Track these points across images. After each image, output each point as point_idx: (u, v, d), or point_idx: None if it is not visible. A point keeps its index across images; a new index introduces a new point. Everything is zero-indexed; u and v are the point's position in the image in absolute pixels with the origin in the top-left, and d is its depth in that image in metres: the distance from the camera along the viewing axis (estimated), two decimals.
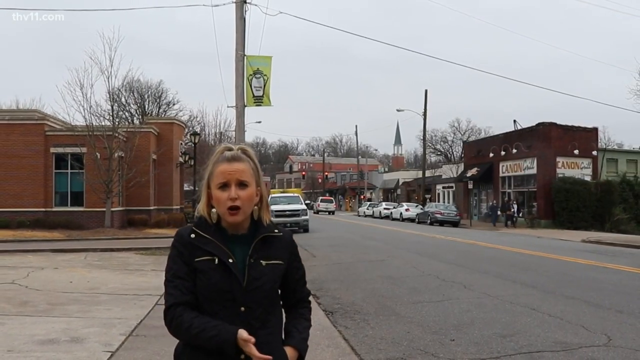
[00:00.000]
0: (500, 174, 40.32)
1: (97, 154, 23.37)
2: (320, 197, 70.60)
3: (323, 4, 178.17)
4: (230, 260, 1.95)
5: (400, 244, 20.24)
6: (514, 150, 38.33)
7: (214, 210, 2.02)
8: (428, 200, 51.01)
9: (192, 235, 2.00)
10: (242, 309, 1.94)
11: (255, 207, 2.06)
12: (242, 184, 1.98)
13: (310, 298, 2.25)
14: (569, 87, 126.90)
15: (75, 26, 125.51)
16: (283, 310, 2.16)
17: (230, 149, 2.07)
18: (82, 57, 40.27)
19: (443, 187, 54.14)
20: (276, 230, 2.10)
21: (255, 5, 17.38)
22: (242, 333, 1.84)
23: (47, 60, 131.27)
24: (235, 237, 2.03)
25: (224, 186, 1.97)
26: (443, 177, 54.56)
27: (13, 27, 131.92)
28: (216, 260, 1.95)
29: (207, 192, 2.04)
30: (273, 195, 32.84)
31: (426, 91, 49.12)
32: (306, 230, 27.12)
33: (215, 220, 2.02)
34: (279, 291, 2.13)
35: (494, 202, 39.00)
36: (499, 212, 37.08)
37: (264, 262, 2.00)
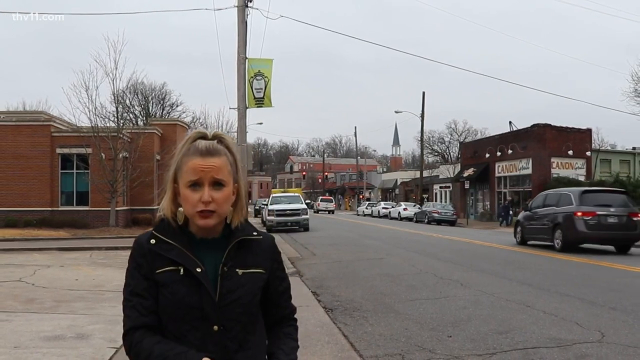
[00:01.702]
0: (496, 174, 40.33)
1: (102, 154, 23.38)
2: (320, 197, 70.63)
3: (314, 8, 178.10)
4: (199, 270, 1.58)
5: (399, 242, 20.23)
6: (510, 151, 38.34)
7: (180, 209, 1.64)
8: (425, 199, 51.00)
9: (152, 241, 1.63)
10: (216, 328, 1.58)
11: (230, 207, 1.68)
12: (217, 184, 1.60)
13: (297, 315, 1.86)
14: (564, 89, 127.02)
15: (78, 28, 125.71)
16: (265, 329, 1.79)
17: (203, 136, 1.67)
18: (87, 60, 40.40)
19: (440, 187, 54.16)
20: (255, 233, 1.73)
21: (257, 9, 17.43)
22: None
23: (53, 63, 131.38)
24: (204, 241, 1.65)
25: (195, 185, 1.59)
26: (440, 177, 54.57)
27: (15, 30, 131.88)
28: (181, 270, 1.58)
29: (172, 187, 1.66)
30: (274, 195, 32.84)
31: (424, 93, 49.20)
32: (306, 229, 27.12)
33: (181, 221, 1.65)
34: (259, 307, 1.74)
35: (507, 201, 37.34)
36: (510, 212, 34.95)
37: (240, 271, 1.64)
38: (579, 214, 16.09)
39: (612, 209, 16.26)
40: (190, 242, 1.64)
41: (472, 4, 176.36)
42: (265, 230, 2.00)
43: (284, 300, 1.80)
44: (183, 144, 1.67)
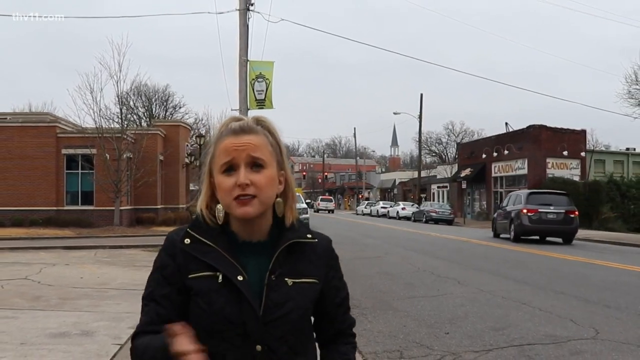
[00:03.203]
0: (493, 174, 40.34)
1: (106, 155, 23.36)
2: (320, 197, 70.53)
3: (305, 9, 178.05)
4: (241, 278, 1.32)
5: (397, 241, 20.22)
6: (506, 152, 38.35)
7: (219, 206, 1.37)
8: (423, 199, 50.97)
9: (187, 241, 1.37)
10: (259, 348, 1.32)
11: (279, 199, 1.39)
12: (256, 164, 1.33)
13: (355, 330, 1.57)
14: (559, 91, 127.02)
15: (79, 31, 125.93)
16: (317, 346, 1.51)
17: (239, 120, 1.40)
18: (87, 62, 40.41)
19: (438, 187, 54.15)
20: (309, 235, 1.44)
21: (258, 12, 17.42)
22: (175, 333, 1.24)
23: (53, 65, 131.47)
24: (248, 245, 1.39)
25: (230, 169, 1.33)
26: (438, 177, 54.57)
27: (15, 30, 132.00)
28: (220, 277, 1.32)
29: (209, 181, 1.40)
30: None
31: (421, 95, 49.13)
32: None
33: (221, 220, 1.38)
34: (312, 321, 1.47)
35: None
36: None
37: (290, 281, 1.36)
38: (524, 210, 19.20)
39: (552, 207, 19.26)
40: (231, 244, 1.37)
41: (472, 6, 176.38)
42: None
43: (340, 313, 1.50)
44: (217, 131, 1.41)
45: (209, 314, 1.32)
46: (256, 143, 1.33)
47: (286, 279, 1.36)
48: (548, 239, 20.11)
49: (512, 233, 19.82)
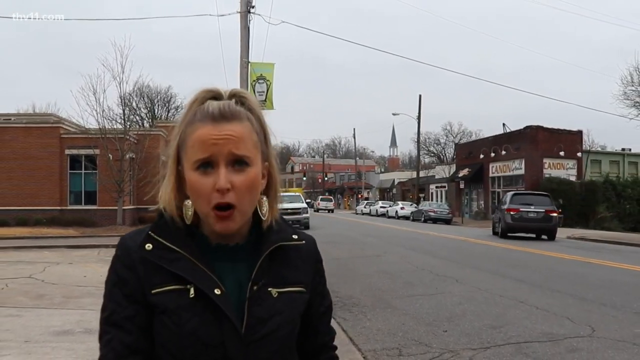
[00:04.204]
0: (490, 174, 40.35)
1: (109, 155, 23.38)
2: (320, 196, 70.54)
3: (302, 9, 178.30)
4: (218, 292, 1.06)
5: (396, 240, 20.23)
6: (503, 152, 38.37)
7: (187, 202, 1.10)
8: (422, 199, 51.00)
9: (148, 246, 1.09)
10: None
11: (262, 197, 1.14)
12: (239, 161, 1.06)
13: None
14: (556, 92, 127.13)
15: (80, 33, 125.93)
16: None
17: (216, 96, 1.11)
18: (88, 64, 40.43)
19: (436, 187, 54.14)
20: (295, 237, 1.19)
21: (259, 15, 17.44)
22: None
23: (52, 66, 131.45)
24: (223, 249, 1.12)
25: (206, 165, 1.05)
26: (436, 177, 54.56)
27: (15, 31, 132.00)
28: (191, 290, 1.06)
29: (175, 169, 1.12)
30: None
31: (420, 96, 49.11)
32: (307, 227, 27.15)
33: (190, 219, 1.11)
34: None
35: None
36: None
37: (275, 291, 1.11)
38: (508, 210, 21.05)
39: (532, 207, 20.81)
40: (202, 249, 1.11)
41: (471, 8, 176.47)
42: None
43: (323, 324, 1.26)
44: (187, 108, 1.12)
45: (179, 336, 1.04)
46: (240, 135, 1.06)
47: (270, 289, 1.11)
48: (541, 236, 21.23)
49: (499, 230, 21.86)
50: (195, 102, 1.10)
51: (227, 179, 1.04)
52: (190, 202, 1.10)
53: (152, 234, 1.12)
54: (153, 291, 1.07)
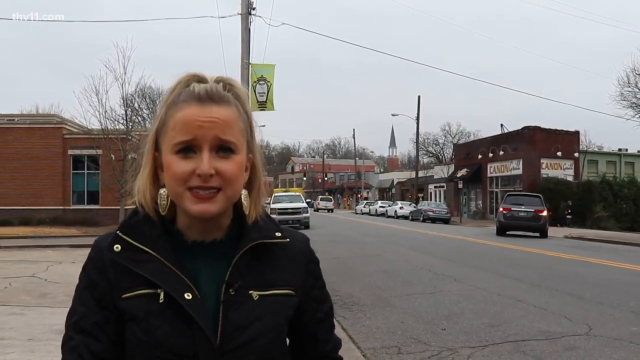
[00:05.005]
0: (488, 175, 40.35)
1: (111, 155, 23.38)
2: (320, 196, 70.55)
3: (302, 10, 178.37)
4: (189, 296, 0.96)
5: (395, 239, 20.22)
6: (501, 152, 38.38)
7: (162, 191, 1.02)
8: (421, 199, 50.98)
9: (116, 248, 0.99)
10: None
11: (244, 190, 1.04)
12: (224, 148, 0.97)
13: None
14: (553, 93, 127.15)
15: (80, 34, 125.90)
16: None
17: (202, 80, 1.02)
18: (92, 63, 40.45)
19: (435, 187, 54.14)
20: (278, 234, 1.06)
21: (260, 16, 17.46)
22: None
23: (58, 66, 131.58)
24: (200, 246, 1.02)
25: (188, 149, 0.95)
26: (435, 177, 54.55)
27: (15, 31, 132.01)
28: (161, 295, 0.96)
29: (153, 157, 1.02)
30: (276, 194, 32.84)
31: (419, 97, 49.10)
32: (307, 227, 27.15)
33: (165, 209, 1.01)
34: (287, 342, 1.09)
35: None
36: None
37: (256, 294, 1.01)
38: (501, 209, 22.90)
39: (523, 207, 22.24)
40: (176, 247, 1.00)
41: (470, 9, 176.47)
42: None
43: (323, 332, 1.14)
44: (170, 90, 1.03)
45: (149, 345, 0.95)
46: (227, 119, 0.96)
47: (251, 291, 1.00)
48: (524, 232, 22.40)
49: (496, 228, 23.54)
50: (179, 84, 1.02)
51: (210, 164, 0.94)
52: (165, 192, 1.00)
53: (119, 234, 1.01)
54: (123, 296, 0.98)
